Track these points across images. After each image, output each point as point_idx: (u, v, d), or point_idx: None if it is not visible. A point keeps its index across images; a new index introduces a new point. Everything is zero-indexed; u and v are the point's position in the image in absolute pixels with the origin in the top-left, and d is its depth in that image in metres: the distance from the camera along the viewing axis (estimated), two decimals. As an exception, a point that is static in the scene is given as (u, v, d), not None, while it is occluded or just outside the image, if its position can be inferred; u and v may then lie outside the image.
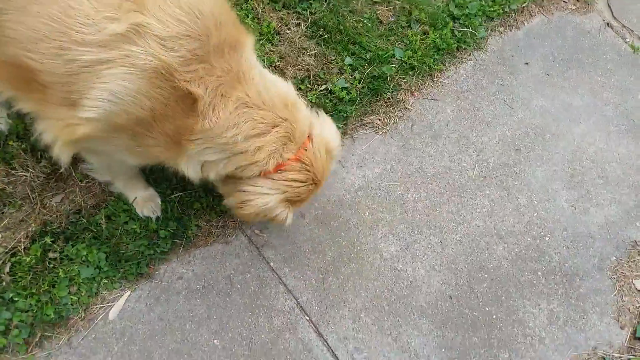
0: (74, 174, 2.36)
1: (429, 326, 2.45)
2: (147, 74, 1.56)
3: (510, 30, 3.14)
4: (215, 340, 2.29)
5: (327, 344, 2.35)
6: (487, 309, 2.52)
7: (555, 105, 2.98)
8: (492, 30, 3.10)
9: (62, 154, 1.83)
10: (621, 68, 3.12)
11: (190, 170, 1.88)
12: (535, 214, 2.73)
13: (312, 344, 2.34)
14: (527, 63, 3.06)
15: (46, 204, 2.30)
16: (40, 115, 1.77)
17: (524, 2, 3.14)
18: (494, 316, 2.50)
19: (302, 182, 1.97)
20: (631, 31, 3.22)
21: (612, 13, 3.29)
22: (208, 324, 2.31)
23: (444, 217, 2.67)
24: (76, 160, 2.31)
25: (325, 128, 2.06)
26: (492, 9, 3.06)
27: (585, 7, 3.28)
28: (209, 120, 1.71)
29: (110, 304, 2.29)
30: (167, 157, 1.86)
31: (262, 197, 1.96)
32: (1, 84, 1.75)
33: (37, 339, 2.17)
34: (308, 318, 2.39)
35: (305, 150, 1.94)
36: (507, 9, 3.09)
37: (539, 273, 2.63)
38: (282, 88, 1.89)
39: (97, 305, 2.28)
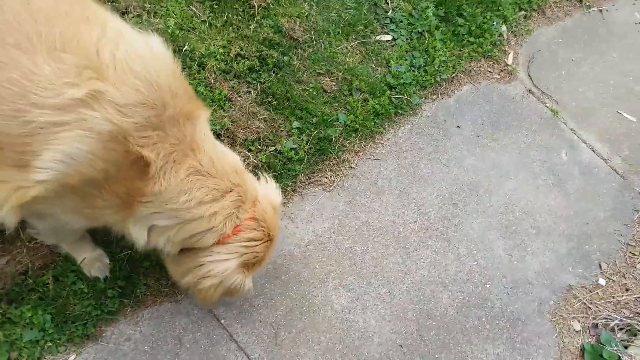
0: (21, 235, 2.53)
1: (382, 377, 2.66)
2: (102, 137, 1.71)
3: (442, 98, 3.69)
4: (163, 405, 2.40)
5: (281, 401, 2.51)
6: (436, 356, 2.78)
7: (486, 163, 3.47)
8: (425, 97, 3.62)
9: (8, 218, 1.88)
10: (544, 129, 3.70)
11: (137, 233, 2.00)
12: (475, 263, 3.10)
13: (266, 402, 2.49)
14: (458, 126, 3.58)
15: (-10, 267, 2.44)
16: None
17: (453, 73, 3.72)
18: (444, 363, 2.76)
19: (259, 239, 2.15)
20: (550, 97, 3.85)
21: (532, 82, 3.93)
22: (156, 387, 2.43)
23: (390, 267, 2.98)
24: (24, 222, 2.49)
25: (268, 188, 2.30)
26: (424, 78, 3.61)
27: (508, 77, 3.92)
28: (159, 184, 1.86)
29: (54, 368, 2.38)
30: (115, 219, 1.97)
31: (220, 264, 2.10)
32: None
33: (-28, 410, 2.20)
34: (261, 376, 2.56)
35: (255, 209, 2.15)
36: (438, 79, 3.65)
37: (484, 319, 2.95)
38: (231, 157, 2.13)
39: (40, 371, 2.36)
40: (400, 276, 2.91)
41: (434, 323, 2.81)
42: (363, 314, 2.75)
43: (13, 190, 1.78)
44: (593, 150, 3.63)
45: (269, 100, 3.14)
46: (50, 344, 2.35)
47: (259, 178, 2.28)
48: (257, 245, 2.16)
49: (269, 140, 3.06)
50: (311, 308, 2.72)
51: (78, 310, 2.40)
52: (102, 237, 2.56)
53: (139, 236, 2.00)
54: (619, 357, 2.80)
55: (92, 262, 2.50)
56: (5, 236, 2.47)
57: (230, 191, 2.03)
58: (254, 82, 3.19)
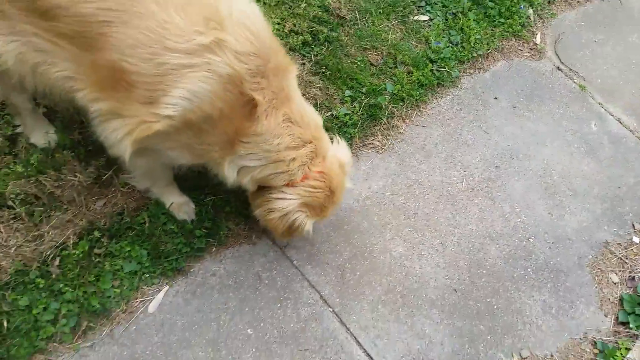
0: (116, 181, 2.93)
1: (440, 316, 3.04)
2: (222, 79, 2.04)
3: (479, 72, 4.11)
4: (249, 330, 2.78)
5: (351, 331, 2.88)
6: (488, 300, 3.16)
7: (523, 131, 3.89)
8: (463, 71, 4.05)
9: (126, 151, 2.23)
10: (574, 102, 4.13)
11: (229, 172, 2.36)
12: (519, 220, 3.50)
13: (337, 332, 2.87)
14: (496, 98, 4.01)
15: (90, 207, 2.81)
16: (118, 113, 2.06)
17: (488, 50, 4.15)
18: (495, 307, 3.14)
19: (320, 188, 2.50)
20: (577, 74, 4.28)
21: (559, 60, 4.36)
22: (241, 315, 2.81)
23: (441, 222, 3.38)
24: (118, 169, 2.89)
25: (339, 147, 2.66)
26: (462, 54, 4.03)
27: (538, 55, 4.35)
28: (261, 125, 2.22)
29: (150, 297, 2.74)
30: (216, 157, 2.31)
31: (284, 201, 2.47)
32: (91, 85, 2.15)
33: (82, 329, 2.56)
34: (331, 309, 2.94)
35: (324, 164, 2.51)
36: (474, 54, 4.08)
37: (529, 269, 3.33)
38: (313, 113, 2.49)
39: (138, 299, 2.72)
40: (450, 229, 3.29)
41: (484, 271, 3.18)
42: (419, 261, 3.13)
43: (138, 124, 2.11)
44: (620, 122, 4.04)
45: (322, 71, 3.56)
46: (146, 276, 2.69)
47: (332, 139, 2.63)
48: (318, 192, 2.50)
49: (325, 106, 3.47)
50: (372, 254, 3.10)
51: (170, 247, 2.75)
52: (187, 186, 2.90)
53: (230, 175, 2.36)
54: (656, 304, 3.16)
55: (180, 206, 2.84)
56: (101, 181, 2.85)
57: (310, 143, 2.40)
58: (307, 55, 3.60)
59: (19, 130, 2.81)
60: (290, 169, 2.37)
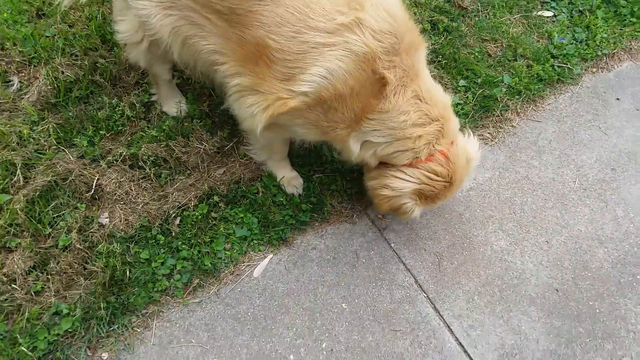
0: (236, 152, 3.07)
1: (538, 314, 2.90)
2: (358, 57, 2.04)
3: (602, 71, 3.82)
4: (343, 304, 2.82)
5: (443, 318, 2.83)
6: (590, 303, 2.96)
7: (647, 134, 3.57)
8: (585, 69, 3.77)
9: (259, 126, 2.28)
10: None
11: (354, 147, 2.32)
12: (632, 225, 3.23)
13: (430, 317, 2.82)
14: (618, 99, 3.70)
15: (211, 174, 2.97)
16: (256, 89, 2.11)
17: (614, 49, 3.84)
18: (597, 310, 2.94)
19: (441, 176, 2.39)
20: None
21: (697, 61, 3.94)
22: (337, 289, 2.85)
23: (549, 220, 3.20)
24: (239, 140, 3.02)
25: (470, 142, 2.54)
26: (586, 51, 3.76)
27: (669, 57, 3.96)
28: (388, 102, 2.18)
29: (255, 263, 2.86)
30: (342, 134, 2.29)
31: (401, 182, 2.41)
32: (235, 60, 2.23)
33: (192, 286, 2.73)
34: (425, 295, 2.90)
35: (450, 149, 2.40)
36: (599, 53, 3.78)
37: (639, 277, 3.08)
38: (442, 92, 2.30)
39: (245, 263, 2.85)
40: (558, 229, 3.11)
41: (589, 274, 2.98)
42: (521, 257, 2.99)
43: (274, 101, 2.15)
44: None
45: (438, 59, 3.47)
46: (255, 242, 2.81)
47: (464, 132, 2.53)
48: (437, 181, 2.40)
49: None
50: (471, 245, 3.00)
51: (277, 218, 2.84)
52: (298, 162, 2.98)
53: (354, 150, 2.34)
54: None
55: (290, 180, 2.92)
56: (223, 151, 3.00)
57: (437, 121, 2.31)
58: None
59: (153, 98, 3.02)
60: (416, 147, 2.24)
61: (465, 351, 2.62)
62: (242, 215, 2.74)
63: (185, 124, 2.88)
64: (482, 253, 2.94)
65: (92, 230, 2.53)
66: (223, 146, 2.88)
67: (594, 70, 3.67)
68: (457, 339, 2.66)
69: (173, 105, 2.93)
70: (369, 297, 2.74)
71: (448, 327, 2.69)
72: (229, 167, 2.88)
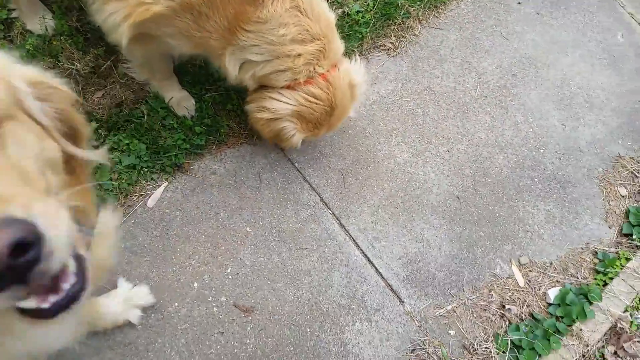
0: (115, 72, 2.71)
1: (440, 221, 2.89)
2: None
3: (504, -26, 3.70)
4: (247, 228, 2.67)
5: (349, 233, 2.76)
6: (490, 208, 2.99)
7: (545, 39, 3.53)
8: (488, -28, 3.64)
9: (124, 36, 2.03)
10: (602, 11, 3.71)
11: (231, 65, 2.13)
12: (531, 130, 3.25)
13: (336, 234, 2.74)
14: (519, 3, 3.60)
15: (88, 98, 2.63)
16: None
17: (516, -50, 3.70)
18: (497, 214, 2.98)
19: (320, 100, 2.23)
20: (609, -21, 3.83)
21: (592, -37, 3.90)
22: (240, 213, 2.69)
23: (450, 129, 3.14)
24: (117, 59, 2.67)
25: (354, 66, 2.33)
26: (487, -48, 3.61)
27: (569, -43, 3.89)
28: (265, 11, 1.94)
29: (148, 192, 2.62)
30: (216, 47, 2.07)
31: (279, 103, 2.23)
32: None
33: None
34: (331, 212, 2.80)
35: (333, 73, 2.21)
36: (500, -46, 3.65)
37: (536, 179, 3.13)
38: (326, 7, 2.15)
39: (137, 194, 2.60)
40: (459, 137, 3.06)
41: (489, 180, 2.99)
42: (423, 167, 2.94)
43: (135, 7, 1.90)
44: (650, 33, 3.64)
45: (337, -37, 3.19)
46: (145, 170, 2.56)
47: (351, 58, 2.33)
48: (317, 104, 2.23)
49: (337, 3, 3.14)
50: (375, 160, 2.91)
51: (169, 143, 2.59)
52: (187, 81, 2.71)
53: (231, 69, 2.13)
54: (662, 218, 2.98)
55: (179, 101, 2.66)
56: (99, 71, 2.64)
57: (318, 39, 2.09)
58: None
59: (14, 15, 2.57)
60: (295, 66, 2.06)
61: (370, 261, 2.59)
62: (127, 141, 2.47)
63: (54, 43, 2.49)
64: (385, 166, 2.85)
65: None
66: (99, 65, 2.53)
67: (496, -26, 3.52)
68: (362, 251, 2.61)
69: (37, 21, 2.51)
70: (274, 218, 2.60)
71: (353, 240, 2.63)
72: (108, 89, 2.55)
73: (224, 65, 2.15)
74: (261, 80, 2.22)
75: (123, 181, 2.48)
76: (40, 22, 2.54)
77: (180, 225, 2.51)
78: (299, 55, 2.09)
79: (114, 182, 2.46)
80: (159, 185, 2.56)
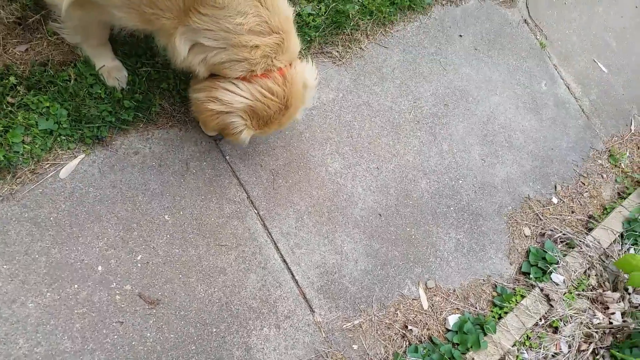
0: (43, 27, 2.55)
1: (360, 236, 3.03)
2: None
3: (450, 5, 3.94)
4: (166, 216, 2.62)
5: (271, 236, 2.80)
6: (408, 229, 3.18)
7: (479, 75, 3.82)
8: (436, 1, 3.88)
9: (64, 1, 1.91)
10: (531, 58, 4.09)
11: (180, 46, 2.03)
12: (454, 160, 3.50)
13: (258, 234, 2.78)
14: (461, 35, 3.88)
15: (9, 50, 2.45)
16: None
17: (464, -15, 3.97)
18: (413, 236, 3.17)
19: (276, 96, 2.20)
20: (541, 31, 4.22)
21: (528, 12, 4.27)
22: (160, 199, 2.63)
23: (382, 147, 3.30)
24: (47, 13, 2.51)
25: (307, 67, 2.32)
26: (438, -18, 3.84)
27: (510, 2, 4.23)
28: None
29: (63, 162, 2.49)
30: (167, 26, 1.98)
31: (233, 95, 2.16)
32: None
33: (-21, 183, 2.29)
34: (256, 211, 2.83)
35: (289, 70, 2.19)
36: (450, -14, 3.90)
37: (452, 208, 3.37)
38: (286, 3, 2.10)
39: (49, 162, 2.46)
40: (389, 157, 3.23)
41: (410, 202, 3.18)
42: (352, 180, 3.06)
43: None
44: (568, 88, 4.08)
45: (294, -40, 3.24)
46: (62, 138, 2.43)
47: (302, 59, 2.34)
48: (272, 101, 2.20)
49: (290, 1, 3.18)
50: (307, 165, 2.98)
51: (93, 113, 2.47)
52: (123, 50, 2.60)
53: (180, 50, 2.04)
54: (558, 261, 3.34)
55: (110, 71, 2.53)
56: (26, 23, 2.47)
57: (277, 33, 2.06)
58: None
59: None
60: (252, 58, 2.01)
61: (289, 268, 2.64)
62: (47, 104, 2.32)
63: (-24, -19, 2.26)
64: (317, 173, 2.93)
65: None
66: (26, 17, 2.37)
67: (444, 2, 3.77)
68: (282, 256, 2.66)
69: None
70: (196, 209, 2.57)
71: (275, 244, 2.67)
72: (34, 45, 2.39)
73: (172, 45, 2.05)
74: (213, 69, 2.15)
75: (36, 146, 2.34)
76: (-38, -47, 2.31)
77: (92, 203, 2.41)
78: (257, 46, 2.05)
79: (25, 145, 2.30)
80: (75, 157, 2.44)
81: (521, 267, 3.24)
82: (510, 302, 3.04)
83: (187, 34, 2.00)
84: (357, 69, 3.26)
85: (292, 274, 2.65)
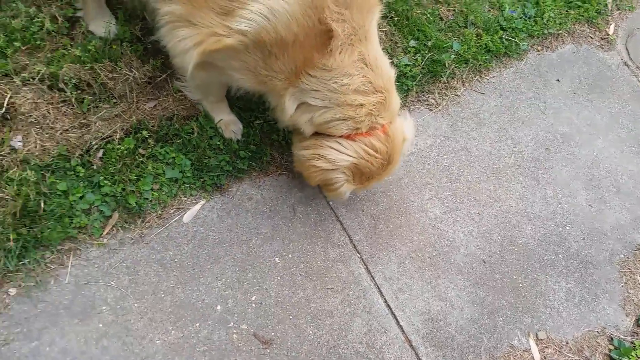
0: (169, 85, 2.96)
1: (464, 283, 3.13)
2: (305, 2, 1.87)
3: (546, 51, 4.10)
4: (276, 258, 2.87)
5: (374, 280, 2.98)
6: (514, 277, 3.25)
7: (580, 119, 3.90)
8: (531, 46, 4.03)
9: (191, 63, 2.17)
10: (634, 100, 4.12)
11: (289, 106, 2.25)
12: (559, 205, 3.56)
13: (362, 278, 2.96)
14: (558, 80, 4.00)
15: (141, 106, 2.85)
16: (189, 20, 2.01)
17: (559, 30, 4.12)
18: (520, 285, 3.23)
19: (380, 153, 2.30)
20: (644, 72, 4.27)
21: (628, 55, 4.34)
22: (271, 242, 2.90)
23: (483, 192, 3.43)
24: (172, 73, 2.92)
25: (406, 122, 2.52)
26: (533, 28, 4.00)
27: (607, 45, 4.32)
28: (332, 59, 2.03)
29: (186, 208, 2.82)
30: (278, 87, 2.14)
31: (338, 154, 2.35)
32: None
33: (113, 226, 2.65)
34: (359, 255, 3.02)
35: (390, 127, 2.37)
36: (545, 31, 4.05)
37: (560, 255, 3.41)
38: (388, 63, 2.23)
39: (174, 207, 2.80)
40: (490, 202, 3.35)
41: (515, 249, 3.26)
42: (453, 226, 3.20)
43: (208, 36, 2.05)
44: (679, 130, 4.04)
45: (391, 15, 3.55)
46: (186, 186, 2.76)
47: (400, 113, 2.53)
48: (375, 158, 2.37)
49: (388, 52, 3.47)
50: (407, 210, 3.16)
51: (213, 163, 2.80)
52: (238, 105, 2.93)
53: (288, 109, 2.26)
54: (679, 311, 3.25)
55: (227, 124, 2.88)
56: (155, 82, 2.89)
57: (380, 92, 2.26)
58: (379, -4, 3.58)
59: (79, 14, 2.82)
60: (357, 116, 2.17)
61: (393, 313, 2.78)
62: (173, 155, 2.67)
63: (114, 47, 2.73)
64: (417, 219, 3.09)
65: (2, 153, 2.35)
66: (155, 77, 2.77)
67: (539, 48, 3.92)
68: (385, 301, 2.81)
69: (101, 24, 2.76)
70: (303, 253, 2.80)
71: (378, 288, 2.83)
72: (161, 101, 2.78)
73: (281, 105, 2.28)
74: (319, 128, 2.29)
75: (163, 193, 2.66)
76: (104, 25, 2.79)
77: (212, 245, 2.70)
78: (362, 105, 2.17)
79: (154, 192, 2.64)
80: (197, 202, 2.75)
81: (638, 319, 3.19)
82: (630, 356, 2.99)
83: (296, 95, 2.23)
84: (454, 115, 3.46)
85: (396, 320, 2.79)
